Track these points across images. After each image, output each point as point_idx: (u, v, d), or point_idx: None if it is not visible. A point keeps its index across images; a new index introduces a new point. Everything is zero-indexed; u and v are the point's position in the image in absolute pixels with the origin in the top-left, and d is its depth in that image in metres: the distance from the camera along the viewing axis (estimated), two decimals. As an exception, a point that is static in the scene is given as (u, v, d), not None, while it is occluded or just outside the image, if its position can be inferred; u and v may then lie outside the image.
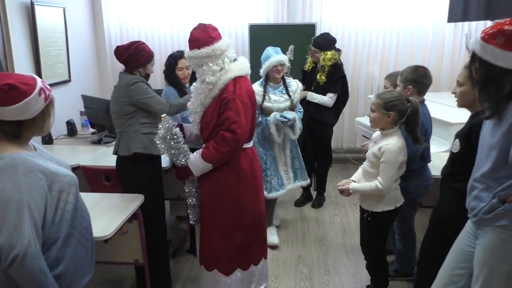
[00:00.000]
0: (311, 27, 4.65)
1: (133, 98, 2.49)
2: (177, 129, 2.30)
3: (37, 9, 3.82)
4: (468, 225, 1.79)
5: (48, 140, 3.72)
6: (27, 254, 1.35)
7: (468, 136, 1.92)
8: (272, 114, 3.19)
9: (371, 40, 5.07)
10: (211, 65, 2.22)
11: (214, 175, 2.34)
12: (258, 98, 3.09)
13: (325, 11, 5.03)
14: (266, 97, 3.25)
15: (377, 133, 2.40)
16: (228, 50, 2.29)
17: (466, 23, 4.93)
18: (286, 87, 3.32)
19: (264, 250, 2.63)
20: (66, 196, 1.51)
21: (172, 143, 2.26)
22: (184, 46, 4.93)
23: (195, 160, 2.29)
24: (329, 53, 3.71)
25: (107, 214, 2.25)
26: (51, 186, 1.46)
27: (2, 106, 1.39)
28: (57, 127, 3.68)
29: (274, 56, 3.18)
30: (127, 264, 2.56)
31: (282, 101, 3.26)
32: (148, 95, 2.53)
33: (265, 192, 3.16)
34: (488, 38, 1.50)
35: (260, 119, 3.21)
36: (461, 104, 2.04)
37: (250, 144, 2.47)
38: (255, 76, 3.14)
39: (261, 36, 4.73)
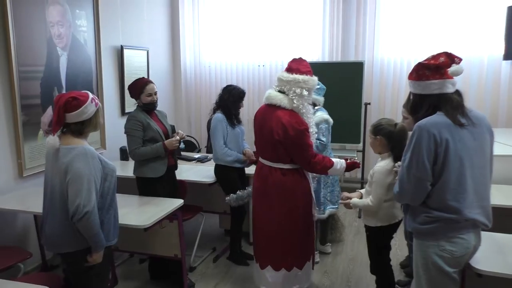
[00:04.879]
0: (359, 64, 5.00)
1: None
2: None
3: (126, 51, 4.75)
4: None
5: (125, 157, 4.51)
6: (93, 212, 2.05)
7: None
8: None
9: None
10: None
11: None
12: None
13: (377, 48, 5.34)
14: None
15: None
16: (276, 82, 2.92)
17: (523, 60, 4.89)
18: None
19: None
20: (110, 178, 2.21)
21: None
22: (241, 79, 5.67)
23: None
24: None
25: (151, 211, 2.84)
26: (103, 169, 2.16)
27: (69, 112, 2.10)
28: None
29: None
30: (168, 257, 3.09)
31: None
32: (128, 131, 3.16)
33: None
34: (409, 76, 1.99)
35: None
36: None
37: (260, 160, 2.98)
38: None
39: (314, 73, 5.18)
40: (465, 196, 1.83)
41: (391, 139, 2.50)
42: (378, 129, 2.54)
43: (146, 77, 5.04)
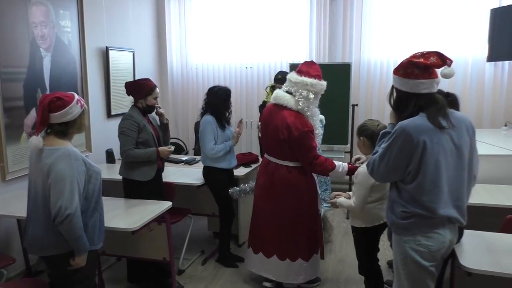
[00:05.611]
0: (347, 66, 5.03)
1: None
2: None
3: (111, 53, 4.68)
4: None
5: (111, 160, 4.45)
6: (75, 214, 1.99)
7: None
8: None
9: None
10: None
11: None
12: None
13: (364, 49, 5.37)
14: None
15: None
16: None
17: (506, 62, 4.97)
18: None
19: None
20: (94, 180, 2.15)
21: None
22: (229, 80, 5.62)
23: None
24: None
25: (139, 213, 2.78)
26: (87, 171, 2.11)
27: (53, 112, 2.06)
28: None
29: None
30: (156, 261, 3.04)
31: None
32: (123, 131, 3.06)
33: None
34: (395, 71, 1.95)
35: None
36: None
37: (266, 156, 3.12)
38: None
39: (302, 74, 5.19)
40: (440, 196, 1.84)
41: (373, 139, 2.50)
42: (361, 130, 2.55)
43: (132, 79, 5.01)
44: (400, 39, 5.23)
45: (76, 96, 2.15)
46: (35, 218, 2.12)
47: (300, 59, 5.56)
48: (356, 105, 5.15)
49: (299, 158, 2.93)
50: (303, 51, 5.58)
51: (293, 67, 5.23)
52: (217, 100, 3.52)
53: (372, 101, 5.43)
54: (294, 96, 2.87)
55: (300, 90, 2.85)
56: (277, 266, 3.08)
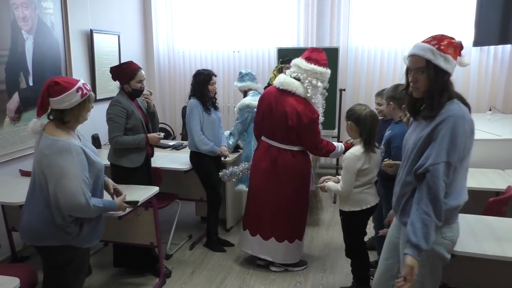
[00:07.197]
0: (335, 50, 5.00)
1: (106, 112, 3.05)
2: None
3: (95, 36, 4.58)
4: (395, 220, 2.04)
5: (97, 145, 4.39)
6: (88, 204, 1.97)
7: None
8: None
9: (396, 62, 5.29)
10: None
11: None
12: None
13: (351, 35, 5.35)
14: None
15: None
16: None
17: (492, 47, 5.01)
18: None
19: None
20: (97, 179, 2.09)
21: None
22: (216, 65, 5.54)
23: None
24: None
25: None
26: (89, 167, 2.03)
27: (52, 97, 1.96)
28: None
29: None
30: (144, 246, 3.04)
31: None
32: (111, 117, 3.02)
33: None
34: (444, 48, 1.72)
35: None
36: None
37: (266, 140, 3.14)
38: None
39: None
40: (466, 183, 1.80)
41: (359, 124, 2.52)
42: (349, 114, 2.58)
43: (118, 63, 4.91)
44: (387, 23, 5.21)
45: (79, 84, 2.00)
46: (29, 206, 2.06)
47: (288, 43, 5.52)
48: (344, 89, 5.15)
49: (306, 143, 3.01)
50: (291, 35, 5.53)
51: (281, 51, 5.20)
52: (197, 84, 3.51)
53: (359, 86, 5.44)
54: (303, 83, 2.89)
55: (310, 78, 2.88)
56: (274, 248, 3.16)
